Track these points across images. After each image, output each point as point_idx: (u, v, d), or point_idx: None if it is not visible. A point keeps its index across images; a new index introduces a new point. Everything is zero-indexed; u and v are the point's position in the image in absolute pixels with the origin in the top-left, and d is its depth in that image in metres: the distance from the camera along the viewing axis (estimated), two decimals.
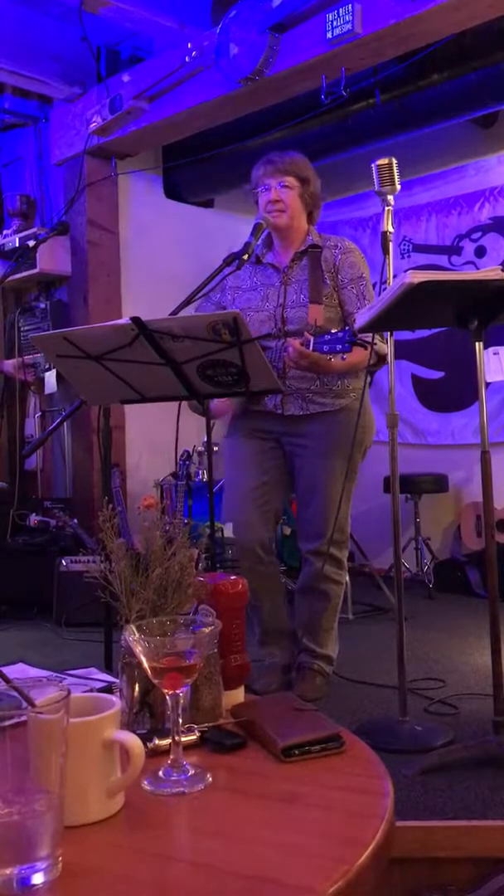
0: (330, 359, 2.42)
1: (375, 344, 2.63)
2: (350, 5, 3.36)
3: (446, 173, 5.12)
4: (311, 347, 2.40)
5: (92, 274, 4.86)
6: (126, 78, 4.39)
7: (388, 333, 2.56)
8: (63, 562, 4.12)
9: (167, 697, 0.96)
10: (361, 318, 2.39)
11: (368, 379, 2.79)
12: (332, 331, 2.44)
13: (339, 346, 2.36)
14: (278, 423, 2.76)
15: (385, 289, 2.33)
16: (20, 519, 4.72)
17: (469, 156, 4.98)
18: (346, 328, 2.49)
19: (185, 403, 2.58)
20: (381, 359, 2.66)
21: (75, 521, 4.45)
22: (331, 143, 4.46)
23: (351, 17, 3.36)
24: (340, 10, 3.40)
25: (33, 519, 4.63)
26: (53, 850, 0.74)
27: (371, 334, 2.59)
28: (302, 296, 2.71)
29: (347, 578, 4.16)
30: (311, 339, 2.41)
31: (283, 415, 2.72)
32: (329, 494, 2.70)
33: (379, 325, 2.41)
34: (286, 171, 2.74)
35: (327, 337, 2.39)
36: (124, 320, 2.12)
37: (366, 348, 2.54)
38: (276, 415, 2.73)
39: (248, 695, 1.27)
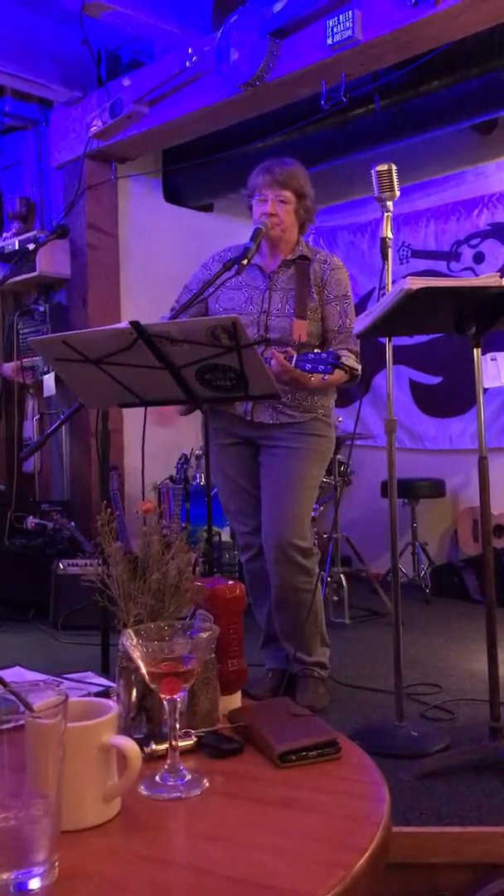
0: (311, 377, 2.45)
1: (356, 369, 2.66)
2: (350, 11, 3.37)
3: (445, 179, 5.13)
4: (292, 363, 2.42)
5: (91, 277, 4.87)
6: (126, 82, 4.40)
7: (387, 338, 2.56)
8: (60, 564, 4.11)
9: (164, 702, 0.96)
10: (360, 324, 2.40)
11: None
12: (316, 350, 2.47)
13: (321, 367, 2.39)
14: (248, 429, 2.78)
15: (384, 294, 2.33)
16: (18, 521, 4.72)
17: (468, 162, 4.99)
18: (330, 350, 2.51)
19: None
20: (353, 378, 2.70)
21: (73, 523, 4.45)
22: (330, 149, 4.47)
23: (351, 23, 3.37)
24: (341, 16, 3.41)
25: (31, 521, 4.63)
26: (50, 855, 0.74)
27: (350, 357, 2.63)
28: (287, 306, 2.72)
29: (344, 580, 4.19)
30: (294, 355, 2.43)
31: (253, 421, 2.74)
32: (294, 496, 2.71)
33: (377, 330, 2.42)
34: (285, 185, 2.74)
35: (311, 356, 2.42)
36: (123, 324, 2.13)
37: (346, 371, 2.57)
38: (246, 420, 2.75)
39: (245, 700, 1.27)
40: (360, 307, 5.09)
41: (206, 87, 4.00)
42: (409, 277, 2.07)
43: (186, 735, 1.05)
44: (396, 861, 1.67)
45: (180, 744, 0.98)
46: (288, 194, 2.74)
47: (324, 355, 2.39)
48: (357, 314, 2.73)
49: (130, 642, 0.96)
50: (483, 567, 2.30)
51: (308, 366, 2.40)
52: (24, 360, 4.98)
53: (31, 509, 4.78)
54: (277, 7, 3.58)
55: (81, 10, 3.94)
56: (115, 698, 1.10)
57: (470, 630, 3.86)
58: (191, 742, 1.05)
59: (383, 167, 2.52)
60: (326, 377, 2.44)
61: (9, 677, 0.85)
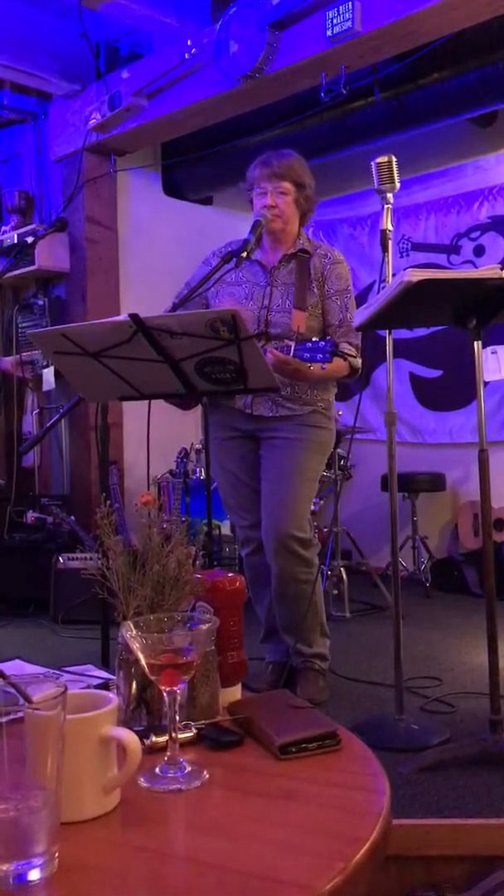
0: (310, 367, 2.45)
1: (356, 357, 2.65)
2: (350, 3, 3.36)
3: (445, 172, 5.12)
4: (291, 354, 2.42)
5: (90, 271, 4.86)
6: (125, 75, 4.38)
7: (387, 332, 2.56)
8: (60, 559, 4.12)
9: (164, 694, 0.96)
10: (359, 317, 2.39)
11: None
12: (314, 339, 2.46)
13: (319, 356, 2.39)
14: (248, 422, 2.78)
15: (384, 287, 2.33)
16: (17, 516, 4.71)
17: (468, 155, 4.98)
18: (328, 338, 2.51)
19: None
20: (353, 371, 2.70)
21: (72, 518, 4.45)
22: (330, 141, 4.46)
23: (351, 15, 3.36)
24: (340, 7, 3.40)
25: (30, 516, 4.63)
26: (50, 847, 0.74)
27: (350, 349, 2.63)
28: (287, 301, 2.72)
29: (344, 574, 4.19)
30: (292, 345, 2.43)
31: (252, 414, 2.74)
32: (293, 487, 2.71)
33: (377, 323, 2.42)
34: (283, 176, 2.73)
35: (309, 345, 2.42)
36: (122, 317, 2.12)
37: (345, 360, 2.57)
38: (246, 414, 2.75)
39: (245, 692, 1.27)
40: (360, 300, 5.06)
41: (205, 79, 3.98)
42: (409, 269, 2.07)
43: (186, 727, 1.05)
44: (395, 853, 1.67)
45: (180, 736, 0.98)
46: (287, 185, 2.73)
47: (322, 344, 2.39)
48: (357, 308, 2.72)
49: (130, 634, 0.96)
50: (483, 561, 2.30)
51: (306, 355, 2.40)
52: (24, 354, 4.98)
53: (30, 504, 4.78)
54: None
55: (80, 3, 3.92)
56: (114, 690, 1.10)
57: (470, 624, 3.87)
58: (191, 734, 1.05)
59: (383, 159, 2.52)
60: (325, 366, 2.43)
61: (9, 670, 0.85)
